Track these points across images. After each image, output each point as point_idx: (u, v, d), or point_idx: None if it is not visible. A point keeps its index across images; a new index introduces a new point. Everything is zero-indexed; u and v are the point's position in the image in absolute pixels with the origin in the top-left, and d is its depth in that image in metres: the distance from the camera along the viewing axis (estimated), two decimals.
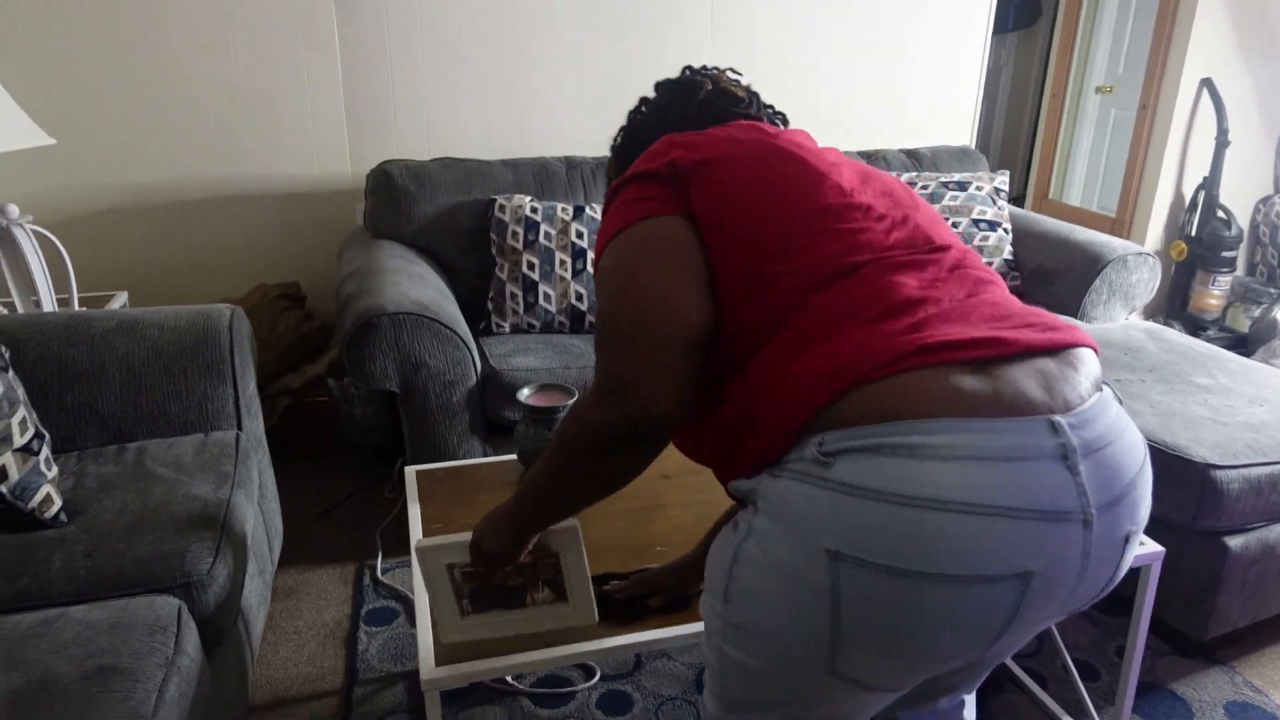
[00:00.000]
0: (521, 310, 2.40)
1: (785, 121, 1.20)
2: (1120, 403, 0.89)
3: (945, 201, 2.77)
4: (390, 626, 1.90)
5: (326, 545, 2.21)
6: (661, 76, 2.97)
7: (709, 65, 1.24)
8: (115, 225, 2.60)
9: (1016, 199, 5.18)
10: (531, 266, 2.40)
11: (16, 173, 2.50)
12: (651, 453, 0.87)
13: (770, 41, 3.02)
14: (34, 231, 2.05)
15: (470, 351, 2.08)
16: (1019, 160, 5.30)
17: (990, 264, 2.73)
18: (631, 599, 1.27)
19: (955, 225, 2.74)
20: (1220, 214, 3.57)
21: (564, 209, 2.45)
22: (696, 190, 0.95)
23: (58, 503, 1.41)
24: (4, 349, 1.50)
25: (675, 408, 0.84)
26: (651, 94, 1.24)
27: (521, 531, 1.01)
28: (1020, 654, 1.85)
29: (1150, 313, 3.81)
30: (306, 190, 2.72)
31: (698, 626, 1.23)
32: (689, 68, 1.21)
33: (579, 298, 2.41)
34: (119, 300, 2.41)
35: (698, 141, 0.99)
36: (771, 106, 1.21)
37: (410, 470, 1.63)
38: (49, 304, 2.08)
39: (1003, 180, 2.88)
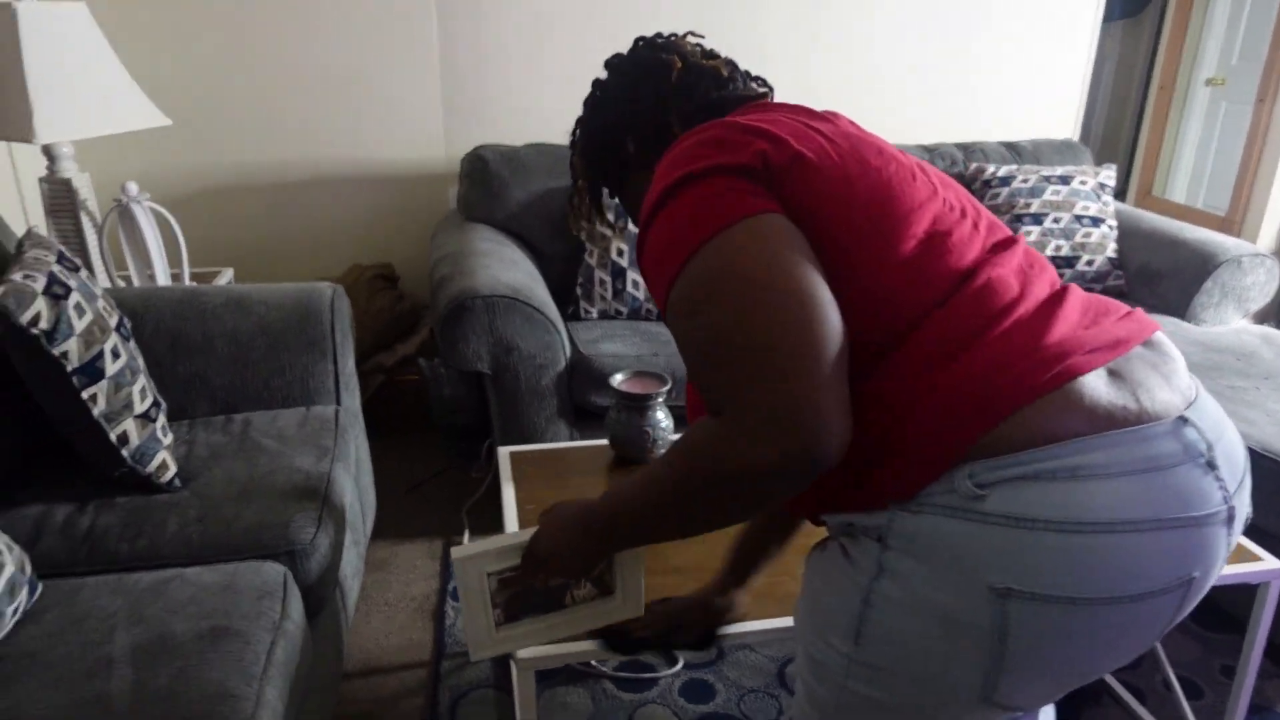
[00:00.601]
0: (610, 296, 2.41)
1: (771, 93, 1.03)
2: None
3: (1046, 196, 2.68)
4: None
5: (415, 521, 2.26)
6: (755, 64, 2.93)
7: (662, 33, 1.04)
8: (223, 204, 2.70)
9: (1117, 195, 4.99)
10: (621, 253, 2.40)
11: (136, 151, 2.61)
12: (810, 481, 0.73)
13: (866, 30, 2.95)
14: (150, 208, 2.13)
15: (560, 336, 2.10)
16: (1121, 155, 5.10)
17: (1092, 262, 2.63)
18: (655, 635, 1.16)
19: (1057, 221, 2.65)
20: None
21: None
22: (792, 191, 0.81)
23: (173, 469, 1.47)
24: (126, 320, 1.57)
25: (846, 431, 0.72)
26: (605, 75, 1.04)
27: (601, 551, 0.89)
28: (1120, 668, 1.78)
29: (1261, 317, 3.62)
30: (402, 173, 2.78)
31: (784, 621, 1.21)
32: (641, 38, 1.03)
33: None
34: (226, 276, 2.50)
35: (770, 130, 0.84)
36: (753, 75, 1.03)
37: (503, 451, 1.66)
38: (163, 278, 2.17)
39: (1108, 175, 2.77)
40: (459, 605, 1.15)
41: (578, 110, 2.84)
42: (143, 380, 1.50)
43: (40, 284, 1.32)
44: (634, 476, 0.83)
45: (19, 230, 2.29)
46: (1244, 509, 0.81)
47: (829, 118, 0.91)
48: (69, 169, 2.05)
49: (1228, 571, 1.32)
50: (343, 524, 1.53)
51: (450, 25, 2.68)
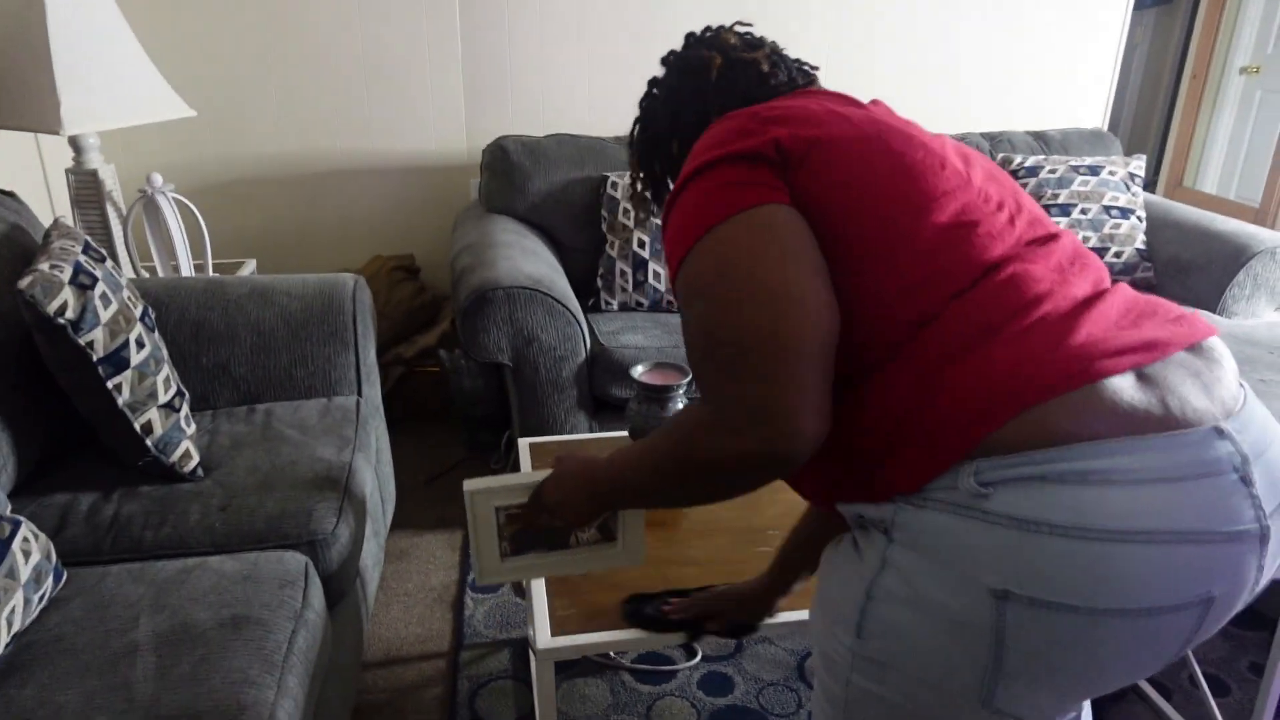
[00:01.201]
0: (630, 288, 2.40)
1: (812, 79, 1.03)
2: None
3: (1075, 186, 2.64)
4: (496, 594, 1.94)
5: (435, 511, 2.27)
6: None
7: (711, 26, 1.05)
8: (246, 194, 2.72)
9: (1147, 186, 4.91)
10: (642, 244, 2.40)
11: (161, 143, 2.64)
12: (786, 474, 0.77)
13: (892, 19, 2.92)
14: (175, 199, 2.15)
15: (581, 327, 2.09)
16: (1151, 144, 5.01)
17: (1121, 254, 2.59)
18: (687, 619, 1.19)
19: (1085, 212, 2.61)
20: None
21: None
22: (808, 177, 0.81)
23: (196, 458, 1.49)
24: (151, 310, 1.58)
25: (821, 429, 0.75)
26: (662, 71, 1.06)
27: (601, 510, 0.96)
28: None
29: None
30: (423, 164, 2.79)
31: (801, 614, 1.21)
32: (691, 34, 1.03)
33: None
34: (248, 267, 2.52)
35: (792, 116, 0.85)
36: (800, 61, 1.02)
37: (524, 442, 1.66)
38: (186, 269, 2.19)
39: (1138, 165, 2.73)
40: (470, 535, 1.24)
41: (600, 101, 2.84)
42: (166, 370, 1.51)
43: (67, 274, 1.34)
44: (634, 447, 0.87)
45: (46, 220, 2.32)
46: None
47: (863, 105, 0.90)
48: (95, 160, 2.06)
49: None
50: (363, 514, 1.53)
51: (473, 16, 2.67)
